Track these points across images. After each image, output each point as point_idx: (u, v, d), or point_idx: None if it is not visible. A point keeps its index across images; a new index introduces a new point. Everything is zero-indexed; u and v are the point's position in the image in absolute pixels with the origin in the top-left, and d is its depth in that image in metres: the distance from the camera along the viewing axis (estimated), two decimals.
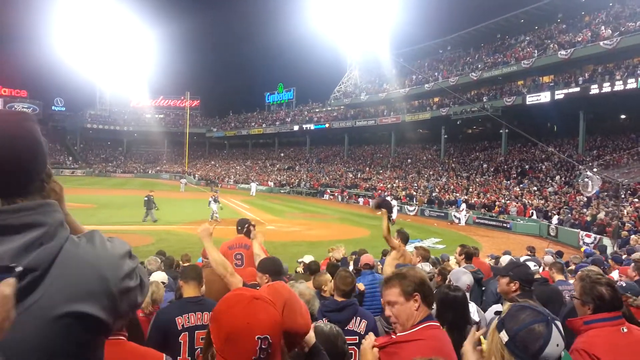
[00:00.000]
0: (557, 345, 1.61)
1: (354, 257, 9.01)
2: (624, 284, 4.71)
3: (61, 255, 1.05)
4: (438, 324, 2.27)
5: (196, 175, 70.24)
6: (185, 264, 7.20)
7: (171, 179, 70.32)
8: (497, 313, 1.82)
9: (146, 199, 24.45)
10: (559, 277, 6.28)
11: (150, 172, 79.48)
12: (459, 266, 6.41)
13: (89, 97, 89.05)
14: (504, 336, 1.67)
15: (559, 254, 11.81)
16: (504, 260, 8.47)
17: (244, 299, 1.42)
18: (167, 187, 52.80)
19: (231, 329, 1.37)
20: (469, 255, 6.70)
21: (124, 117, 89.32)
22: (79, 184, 50.54)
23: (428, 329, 2.21)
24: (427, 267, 6.16)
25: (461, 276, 4.11)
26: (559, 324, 1.66)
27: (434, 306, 3.73)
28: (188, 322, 3.40)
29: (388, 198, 34.94)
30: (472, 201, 32.91)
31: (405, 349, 2.11)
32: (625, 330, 2.52)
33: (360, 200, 42.10)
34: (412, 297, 2.23)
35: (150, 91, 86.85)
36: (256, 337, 1.33)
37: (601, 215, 23.17)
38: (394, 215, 30.18)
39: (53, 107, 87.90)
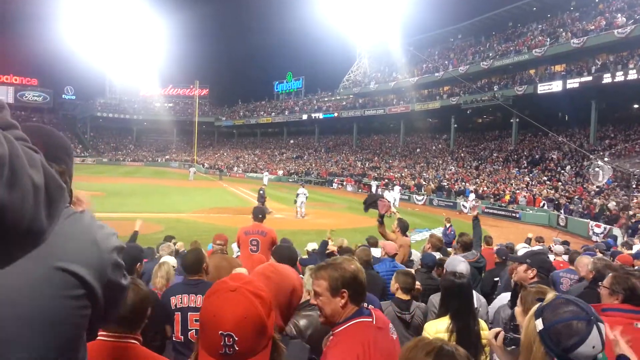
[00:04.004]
0: (593, 347, 1.55)
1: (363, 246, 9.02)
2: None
3: (65, 214, 1.09)
4: (368, 319, 2.12)
5: (205, 164, 70.47)
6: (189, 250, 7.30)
7: (180, 167, 70.58)
8: (540, 300, 1.76)
9: (261, 192, 24.55)
10: (571, 267, 6.30)
11: (159, 160, 79.87)
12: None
13: (99, 85, 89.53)
14: (539, 324, 1.63)
15: (566, 244, 11.75)
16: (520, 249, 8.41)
17: (222, 288, 1.32)
18: (176, 176, 53.11)
19: (202, 318, 1.31)
20: (465, 245, 6.69)
21: (134, 105, 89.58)
22: (89, 172, 50.90)
23: (354, 328, 2.07)
24: (436, 256, 6.17)
25: (458, 264, 4.12)
26: (602, 326, 1.59)
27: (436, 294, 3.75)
28: (181, 302, 3.54)
29: (397, 188, 34.95)
30: (481, 191, 32.76)
31: (331, 350, 2.04)
32: (639, 325, 2.43)
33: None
34: (339, 293, 2.07)
35: (160, 80, 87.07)
36: (219, 332, 1.24)
37: (611, 205, 22.99)
38: (397, 202, 30.15)
39: (63, 96, 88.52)
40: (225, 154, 78.51)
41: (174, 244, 8.09)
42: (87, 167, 63.33)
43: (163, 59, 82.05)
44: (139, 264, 4.09)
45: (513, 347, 1.86)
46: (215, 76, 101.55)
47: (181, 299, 3.54)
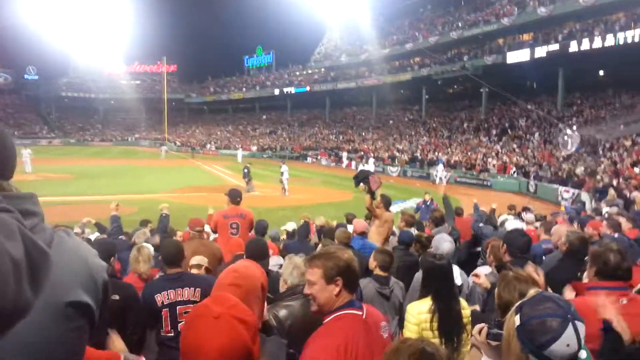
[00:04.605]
0: (568, 345, 1.52)
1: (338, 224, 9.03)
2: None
3: (54, 243, 1.05)
4: (358, 312, 2.12)
5: (177, 142, 69.40)
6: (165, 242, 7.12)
7: (151, 146, 69.33)
8: (522, 295, 1.73)
9: (246, 170, 24.27)
10: (545, 236, 6.19)
11: (129, 139, 78.29)
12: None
13: (62, 64, 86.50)
14: (517, 320, 1.63)
15: (527, 209, 11.94)
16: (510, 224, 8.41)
17: (205, 314, 1.25)
18: (147, 155, 52.19)
19: (184, 347, 1.25)
20: (437, 220, 6.74)
21: (99, 84, 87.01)
22: (56, 154, 49.59)
23: (341, 319, 2.08)
24: (412, 231, 6.25)
25: (442, 243, 4.20)
26: (579, 325, 1.56)
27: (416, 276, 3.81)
28: (167, 298, 3.53)
29: (371, 160, 35.20)
30: (453, 160, 33.21)
31: (313, 340, 2.03)
32: (624, 302, 2.44)
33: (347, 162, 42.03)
34: (334, 281, 2.09)
35: (125, 57, 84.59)
36: None
37: (579, 170, 23.57)
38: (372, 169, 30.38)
39: (25, 76, 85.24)
40: (197, 131, 77.38)
41: (146, 231, 7.77)
42: (54, 148, 61.67)
43: (128, 35, 79.19)
44: (112, 258, 4.06)
45: (498, 342, 1.87)
46: (183, 52, 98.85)
47: (167, 295, 3.53)
